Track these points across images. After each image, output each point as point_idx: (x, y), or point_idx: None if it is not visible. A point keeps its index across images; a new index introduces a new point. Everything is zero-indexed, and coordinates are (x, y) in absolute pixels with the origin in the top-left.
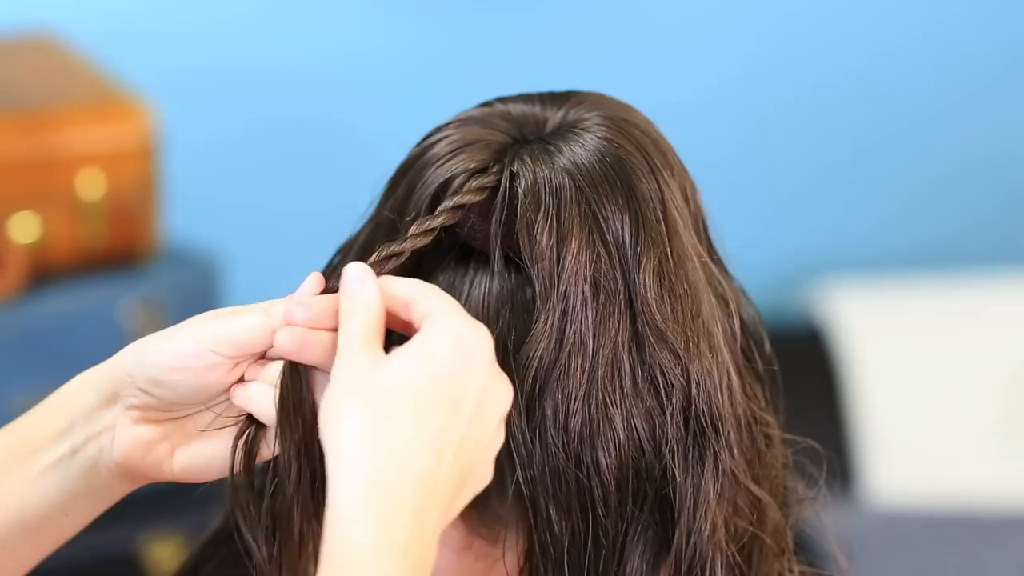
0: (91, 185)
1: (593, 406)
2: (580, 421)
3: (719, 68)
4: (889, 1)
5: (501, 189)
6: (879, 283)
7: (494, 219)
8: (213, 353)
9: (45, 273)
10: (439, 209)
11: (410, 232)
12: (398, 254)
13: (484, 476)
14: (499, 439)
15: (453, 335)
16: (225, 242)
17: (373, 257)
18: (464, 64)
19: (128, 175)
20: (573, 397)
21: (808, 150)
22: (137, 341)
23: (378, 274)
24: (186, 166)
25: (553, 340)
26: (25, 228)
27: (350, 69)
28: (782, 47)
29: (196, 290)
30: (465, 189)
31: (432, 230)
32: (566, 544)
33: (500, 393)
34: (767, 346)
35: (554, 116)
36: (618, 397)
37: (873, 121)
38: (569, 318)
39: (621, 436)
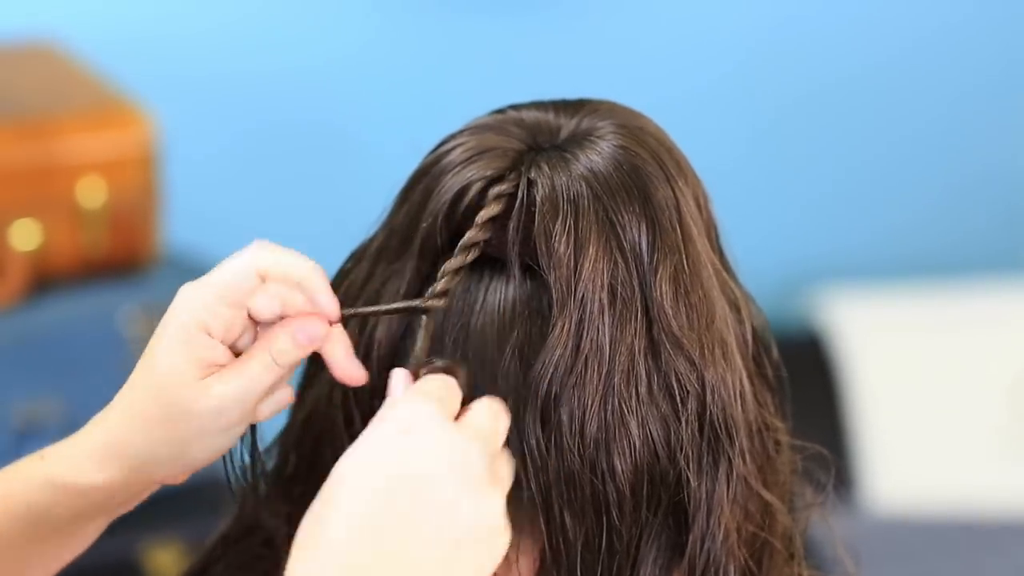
0: (92, 192)
1: (609, 412)
2: (596, 427)
3: (719, 75)
4: (892, 11)
5: (519, 196)
6: (879, 290)
7: (512, 226)
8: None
9: (46, 280)
10: (468, 236)
11: (457, 249)
12: (457, 270)
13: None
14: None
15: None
16: (225, 249)
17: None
18: (469, 71)
19: (128, 182)
20: (589, 403)
21: (809, 157)
22: (137, 452)
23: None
24: (186, 173)
25: (570, 346)
26: (26, 235)
27: (352, 76)
28: (783, 55)
29: None
30: (488, 200)
31: (475, 244)
32: (580, 549)
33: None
34: (775, 353)
35: (568, 124)
36: (634, 403)
37: (874, 129)
38: (586, 325)
39: (637, 442)
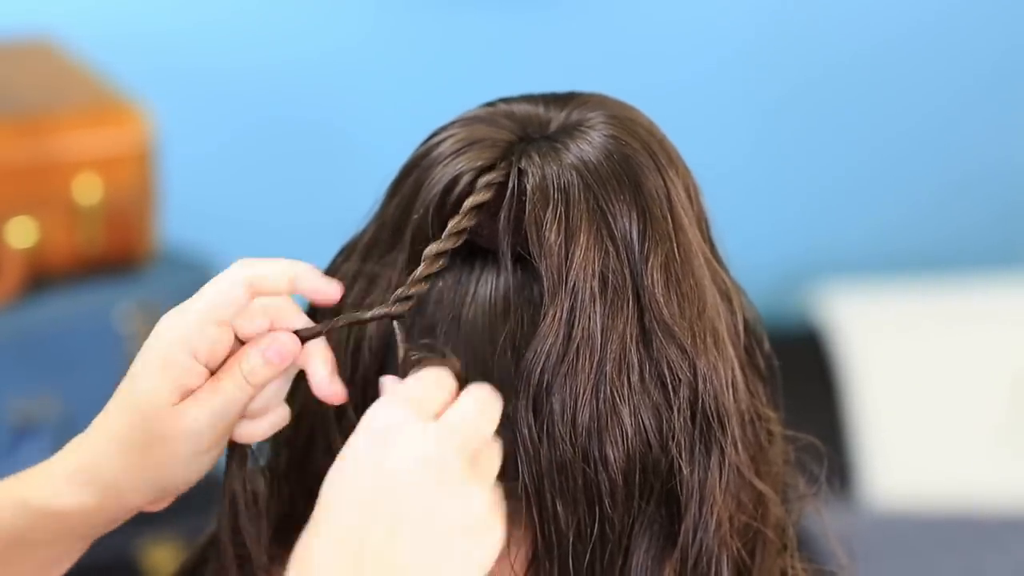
0: (88, 190)
1: (601, 401)
2: (588, 416)
3: (719, 70)
4: (891, 4)
5: (510, 186)
6: (878, 286)
7: (503, 216)
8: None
9: (42, 277)
10: (453, 224)
11: (444, 234)
12: (442, 253)
13: None
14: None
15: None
16: (221, 246)
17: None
18: (466, 66)
19: (125, 179)
20: (581, 392)
21: (808, 153)
22: (110, 482)
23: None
24: (182, 170)
25: (561, 335)
26: (22, 232)
27: (349, 72)
28: (781, 50)
29: (192, 294)
30: (477, 188)
31: (460, 232)
32: (572, 538)
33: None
34: (766, 343)
35: (557, 116)
36: (626, 392)
37: (872, 124)
38: (577, 313)
39: (629, 431)
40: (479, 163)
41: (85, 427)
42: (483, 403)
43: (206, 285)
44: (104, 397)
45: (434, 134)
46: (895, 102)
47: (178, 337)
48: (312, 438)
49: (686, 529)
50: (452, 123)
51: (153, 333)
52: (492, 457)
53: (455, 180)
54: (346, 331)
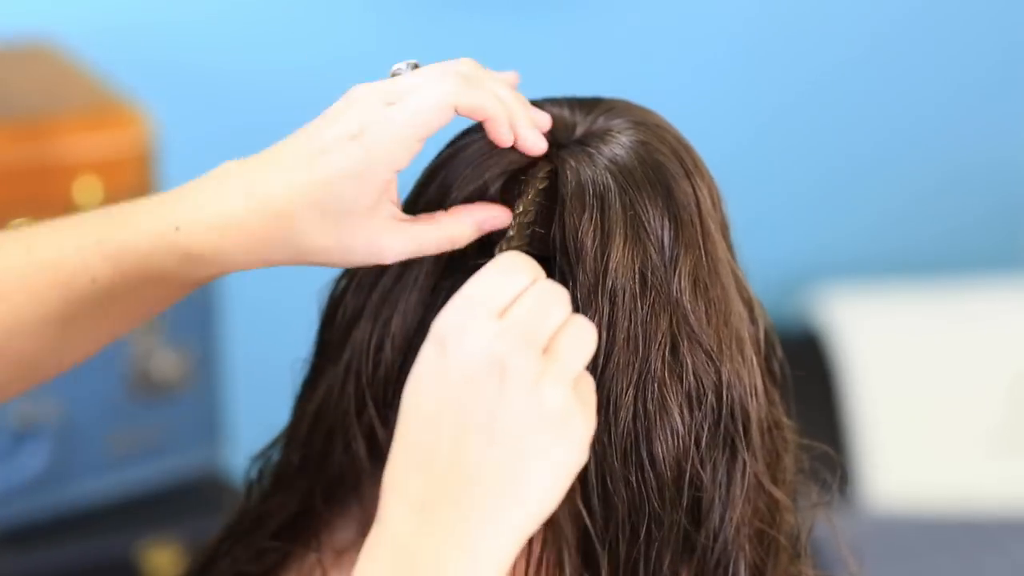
0: (88, 192)
1: (647, 402)
2: (628, 418)
3: (715, 72)
4: (885, 7)
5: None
6: (877, 288)
7: (555, 223)
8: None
9: None
10: (526, 198)
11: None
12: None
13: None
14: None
15: None
16: None
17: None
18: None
19: (125, 182)
20: (622, 393)
21: (805, 155)
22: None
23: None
24: (183, 173)
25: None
26: None
27: (350, 75)
28: (779, 51)
29: (192, 294)
30: (532, 175)
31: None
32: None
33: None
34: (780, 351)
35: (583, 121)
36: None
37: (870, 125)
38: (618, 315)
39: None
40: (510, 166)
41: (85, 429)
42: (546, 292)
43: (410, 95)
44: (104, 400)
45: (459, 137)
46: (894, 104)
47: (385, 156)
48: (331, 436)
49: (707, 533)
50: (477, 126)
51: (362, 134)
52: (572, 347)
53: (485, 183)
54: (370, 328)
